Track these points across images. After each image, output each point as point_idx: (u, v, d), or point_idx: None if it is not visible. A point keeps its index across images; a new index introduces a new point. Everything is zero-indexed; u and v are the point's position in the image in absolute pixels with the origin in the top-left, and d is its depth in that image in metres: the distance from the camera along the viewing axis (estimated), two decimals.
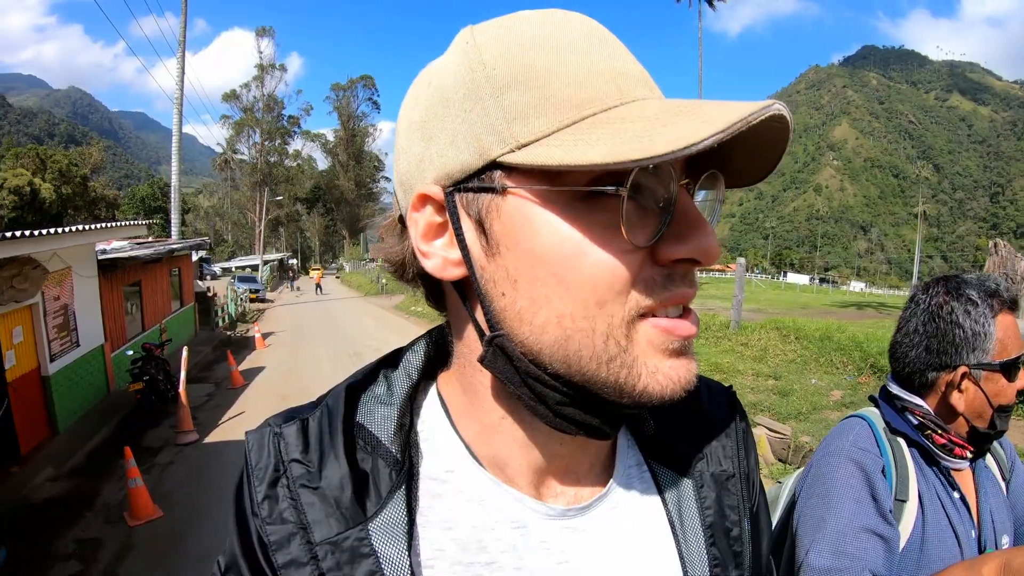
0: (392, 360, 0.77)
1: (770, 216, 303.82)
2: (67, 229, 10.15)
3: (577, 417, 0.60)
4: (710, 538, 0.74)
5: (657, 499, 0.75)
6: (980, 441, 1.55)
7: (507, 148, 0.55)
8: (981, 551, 1.49)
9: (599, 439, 0.65)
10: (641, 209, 0.55)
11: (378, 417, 0.69)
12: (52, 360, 10.62)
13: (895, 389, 1.66)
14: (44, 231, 9.26)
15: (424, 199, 0.62)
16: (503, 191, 0.57)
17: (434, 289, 0.71)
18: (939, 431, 1.55)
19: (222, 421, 11.14)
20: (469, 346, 0.67)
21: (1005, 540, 1.55)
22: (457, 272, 0.62)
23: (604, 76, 0.56)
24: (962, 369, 1.50)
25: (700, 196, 0.63)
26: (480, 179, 0.58)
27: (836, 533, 1.40)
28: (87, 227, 11.10)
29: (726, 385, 0.91)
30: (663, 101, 0.55)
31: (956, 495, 1.53)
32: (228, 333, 22.63)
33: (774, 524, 1.69)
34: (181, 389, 10.74)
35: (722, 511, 0.76)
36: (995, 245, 9.68)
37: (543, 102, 0.55)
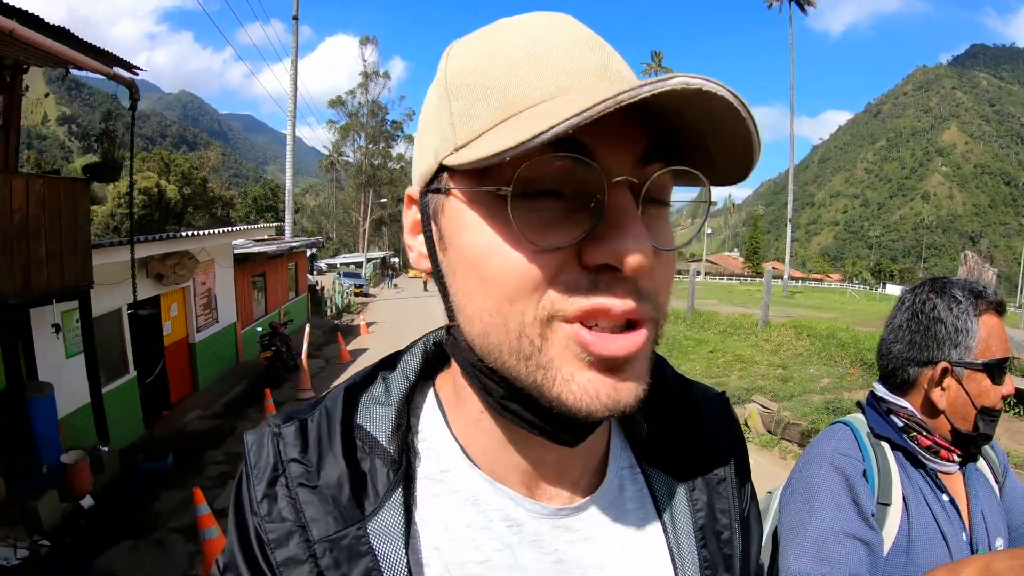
0: (391, 363, 0.77)
1: (875, 224, 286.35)
2: (218, 231, 13.29)
3: (521, 414, 0.60)
4: (701, 540, 0.74)
5: (650, 501, 0.75)
6: (966, 444, 1.53)
7: (449, 151, 0.56)
8: (973, 553, 1.47)
9: (560, 445, 0.62)
10: (564, 208, 0.53)
11: (376, 418, 0.69)
12: (198, 331, 13.46)
13: (881, 391, 1.65)
14: (200, 232, 12.25)
15: (409, 200, 0.66)
16: (447, 192, 0.58)
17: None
18: (924, 433, 1.54)
19: (333, 385, 13.62)
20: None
21: (999, 542, 1.53)
22: (425, 264, 0.65)
23: (545, 72, 0.54)
24: (942, 365, 1.49)
25: (692, 195, 0.61)
26: (437, 180, 0.60)
27: (817, 538, 1.39)
28: (229, 229, 14.12)
29: (719, 391, 0.91)
30: (598, 89, 0.50)
31: (945, 498, 1.51)
32: (336, 321, 25.53)
33: (766, 533, 1.70)
34: (303, 356, 13.47)
35: (713, 514, 0.76)
36: (965, 256, 11.01)
37: (481, 103, 0.55)
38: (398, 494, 0.64)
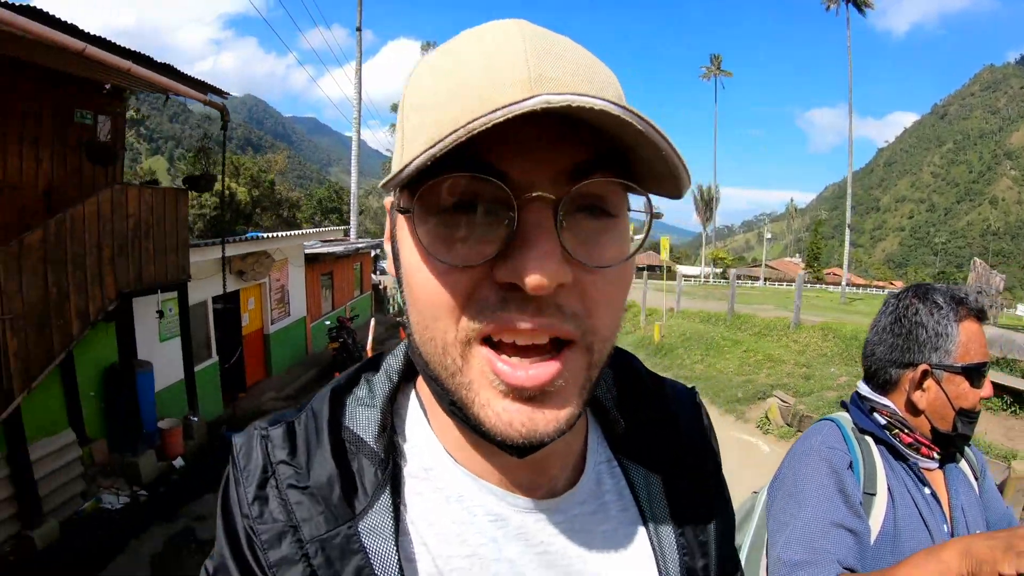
0: (374, 364, 0.78)
1: (941, 231, 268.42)
2: (292, 233, 14.83)
3: (467, 421, 0.60)
4: (678, 528, 0.76)
5: (628, 493, 0.76)
6: (945, 443, 1.59)
7: (396, 171, 0.54)
8: None
9: (507, 454, 0.60)
10: (477, 225, 0.53)
11: (361, 419, 0.69)
12: (272, 323, 14.89)
13: (865, 391, 1.71)
14: (278, 234, 13.88)
15: (388, 210, 0.67)
16: (399, 209, 0.58)
17: None
18: (905, 431, 1.60)
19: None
20: None
21: None
22: (395, 272, 0.66)
23: (474, 89, 0.50)
24: (923, 367, 1.55)
25: (638, 209, 0.60)
26: (396, 198, 0.60)
27: (806, 528, 1.42)
28: (303, 231, 15.66)
29: (689, 386, 0.94)
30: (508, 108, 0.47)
31: (927, 491, 1.56)
32: (397, 319, 26.69)
33: (752, 532, 1.80)
34: (369, 348, 14.49)
35: (688, 503, 0.78)
36: (974, 263, 11.49)
37: (422, 125, 0.53)
38: (386, 493, 0.64)
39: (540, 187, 0.52)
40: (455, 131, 0.45)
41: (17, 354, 6.26)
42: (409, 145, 0.55)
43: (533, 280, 0.50)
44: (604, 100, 0.45)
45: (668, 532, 0.75)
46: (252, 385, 13.86)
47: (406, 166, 0.50)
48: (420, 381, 0.74)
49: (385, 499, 0.64)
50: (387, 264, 0.72)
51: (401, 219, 0.61)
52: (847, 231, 40.60)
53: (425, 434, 0.70)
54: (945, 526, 1.54)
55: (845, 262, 40.23)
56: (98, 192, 7.75)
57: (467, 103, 0.49)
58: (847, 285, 39.44)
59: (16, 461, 6.73)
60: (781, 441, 9.65)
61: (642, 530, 0.75)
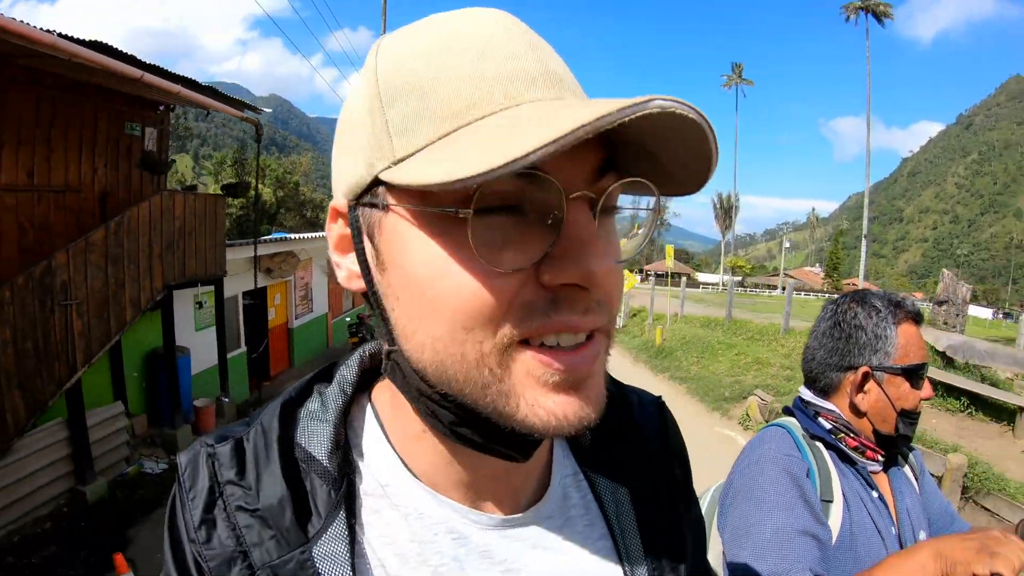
0: (326, 375, 0.74)
1: (965, 242, 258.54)
2: (318, 235, 15.96)
3: (473, 437, 0.58)
4: (647, 540, 0.74)
5: (595, 505, 0.74)
6: (889, 446, 1.62)
7: (386, 163, 0.52)
8: (901, 546, 1.53)
9: (508, 461, 0.61)
10: (520, 227, 0.50)
11: (314, 434, 0.66)
12: (296, 318, 15.99)
13: (807, 395, 1.72)
14: (304, 235, 15.06)
15: (335, 213, 0.61)
16: (385, 208, 0.54)
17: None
18: (850, 434, 1.61)
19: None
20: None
21: (922, 535, 1.60)
22: (358, 284, 0.62)
23: (491, 79, 0.50)
24: (863, 369, 1.57)
25: (627, 204, 0.59)
26: (371, 194, 0.56)
27: (773, 537, 1.39)
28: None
29: (656, 395, 0.92)
30: (552, 103, 0.49)
31: (875, 494, 1.58)
32: None
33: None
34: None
35: (657, 515, 0.77)
36: (943, 274, 12.20)
37: (422, 113, 0.51)
38: (341, 513, 0.62)
39: (579, 186, 0.51)
40: (563, 136, 0.40)
41: (81, 334, 7.36)
42: (403, 136, 0.52)
43: (597, 279, 0.50)
44: (694, 108, 0.44)
45: (637, 546, 0.74)
46: (276, 374, 14.92)
47: (510, 163, 0.41)
48: (375, 392, 0.72)
49: (340, 521, 0.61)
50: (342, 277, 0.63)
51: (394, 221, 0.54)
52: (863, 242, 41.03)
53: (382, 449, 0.67)
54: (893, 528, 1.56)
55: (861, 273, 40.71)
56: (150, 197, 8.94)
57: (490, 95, 0.50)
58: None
59: (74, 426, 7.79)
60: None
61: (610, 545, 0.73)
